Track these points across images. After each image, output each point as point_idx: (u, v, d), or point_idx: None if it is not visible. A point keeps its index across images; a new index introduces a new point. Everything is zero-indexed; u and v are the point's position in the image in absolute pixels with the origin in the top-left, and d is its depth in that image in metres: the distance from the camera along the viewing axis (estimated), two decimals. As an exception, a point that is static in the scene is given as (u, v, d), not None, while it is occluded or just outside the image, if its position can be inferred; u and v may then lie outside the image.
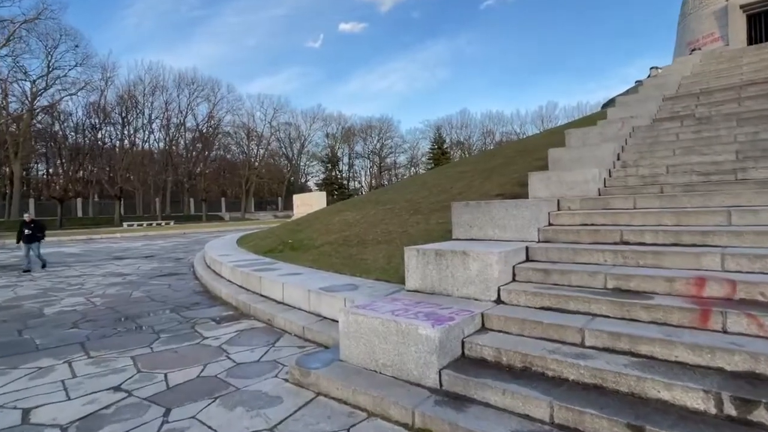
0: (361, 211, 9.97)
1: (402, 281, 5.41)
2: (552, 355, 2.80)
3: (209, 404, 3.39)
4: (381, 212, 9.13)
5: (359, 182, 75.67)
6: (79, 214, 40.74)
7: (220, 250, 10.21)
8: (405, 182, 14.80)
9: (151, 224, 36.64)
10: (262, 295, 6.47)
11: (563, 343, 2.96)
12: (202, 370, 4.03)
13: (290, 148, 66.64)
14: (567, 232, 4.21)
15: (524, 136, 54.08)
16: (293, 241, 9.17)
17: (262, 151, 60.87)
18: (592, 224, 4.32)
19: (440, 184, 10.57)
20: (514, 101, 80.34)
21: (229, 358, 4.37)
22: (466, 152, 62.21)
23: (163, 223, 37.80)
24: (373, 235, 7.83)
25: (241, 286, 7.16)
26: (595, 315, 3.15)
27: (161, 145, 46.77)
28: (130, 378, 3.89)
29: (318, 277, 6.18)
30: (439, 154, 57.72)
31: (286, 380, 3.71)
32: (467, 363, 3.05)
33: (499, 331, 3.32)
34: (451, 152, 61.85)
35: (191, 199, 51.40)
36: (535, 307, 3.43)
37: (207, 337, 5.08)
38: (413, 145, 74.41)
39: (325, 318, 5.10)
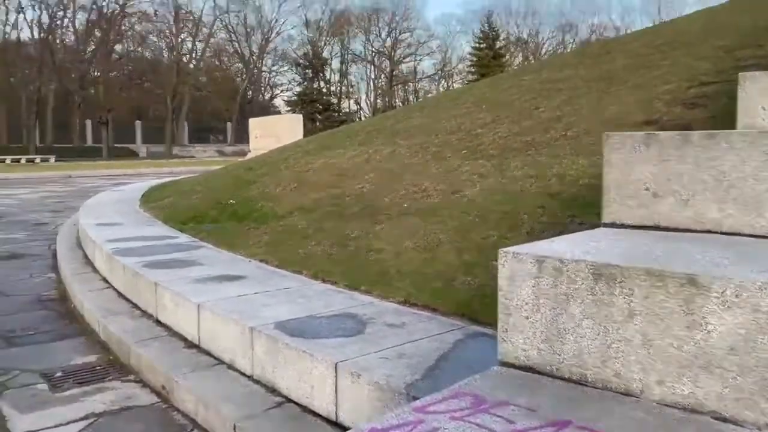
0: (365, 149, 9.59)
1: (465, 310, 3.98)
2: None
3: None
4: (404, 151, 8.60)
5: (357, 101, 74.53)
6: None
7: (105, 214, 9.76)
8: (440, 100, 14.47)
9: (18, 161, 35.12)
10: (159, 322, 4.93)
11: None
12: None
13: (246, 42, 64.92)
14: None
15: (628, 32, 51.15)
16: (239, 201, 8.76)
17: (200, 46, 59.03)
18: None
19: (510, 102, 9.72)
20: (612, -25, 77.54)
21: None
22: (532, 56, 59.44)
23: (37, 160, 36.29)
24: (393, 198, 6.81)
25: (122, 296, 5.71)
26: None
27: (36, 33, 44.69)
28: None
29: (277, 288, 4.67)
30: (489, 58, 54.89)
31: None
32: None
33: None
34: (509, 56, 59.08)
35: (87, 123, 49.96)
36: None
37: (13, 436, 3.53)
38: (446, 42, 72.94)
39: (288, 401, 3.46)
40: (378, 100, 71.62)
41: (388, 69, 69.56)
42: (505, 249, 2.71)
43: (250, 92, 70.50)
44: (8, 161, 35.02)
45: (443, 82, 76.01)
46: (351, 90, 74.60)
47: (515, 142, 7.27)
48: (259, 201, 8.40)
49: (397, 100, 77.28)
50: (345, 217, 6.60)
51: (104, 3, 47.45)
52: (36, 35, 45.96)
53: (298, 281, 5.03)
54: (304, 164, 9.87)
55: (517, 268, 2.61)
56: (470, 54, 61.74)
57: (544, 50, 62.65)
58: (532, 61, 56.82)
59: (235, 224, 7.68)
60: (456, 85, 71.62)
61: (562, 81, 9.93)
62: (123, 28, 50.00)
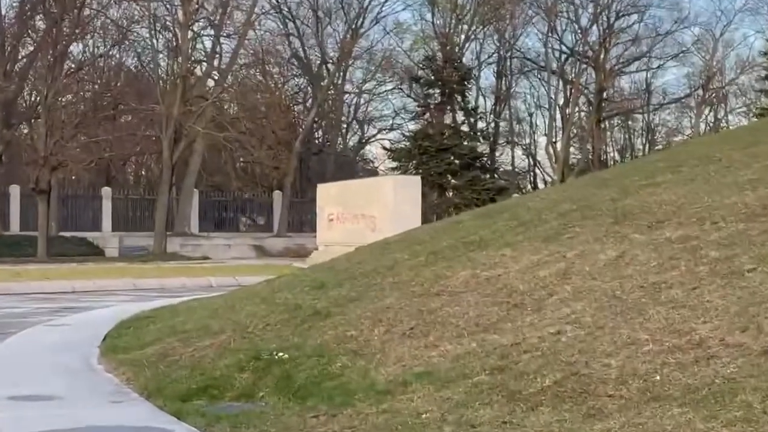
0: (558, 249, 9.94)
1: None
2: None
3: None
4: (644, 255, 8.83)
5: (528, 150, 74.75)
6: None
7: (29, 374, 10.04)
8: (714, 148, 14.60)
9: None
10: None
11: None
12: None
13: (316, 36, 67.18)
14: None
15: None
16: (295, 354, 9.02)
17: (228, 47, 61.48)
18: None
19: None
20: None
21: None
22: None
23: None
24: (624, 359, 6.75)
25: None
26: None
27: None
28: None
29: None
30: None
31: None
32: None
33: None
34: None
35: (12, 191, 52.72)
36: None
37: None
38: (710, 32, 72.68)
39: None
40: (571, 148, 71.70)
41: (592, 87, 69.84)
42: None
43: (320, 133, 72.51)
44: None
45: (708, 110, 75.29)
46: (517, 129, 75.45)
47: None
48: (336, 355, 8.44)
49: (610, 149, 77.09)
50: (520, 398, 6.44)
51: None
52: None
53: None
54: (431, 278, 9.99)
55: None
56: (766, 54, 61.12)
57: None
58: None
59: (288, 405, 7.63)
60: (736, 120, 70.69)
61: None
62: (86, 13, 53.02)
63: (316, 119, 66.98)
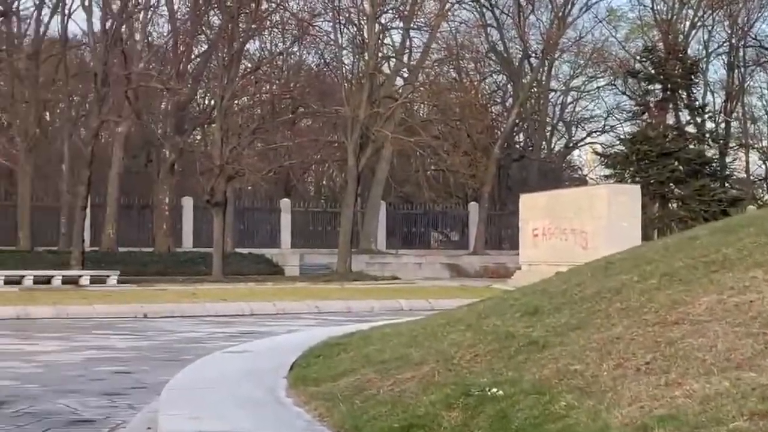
0: None
1: None
2: None
3: None
4: None
5: (764, 151, 72.64)
6: None
7: (212, 406, 10.14)
8: None
9: (47, 280, 38.59)
10: None
11: None
12: None
13: (517, 26, 66.79)
14: None
15: None
16: (510, 389, 8.83)
17: (420, 41, 61.29)
18: None
19: None
20: None
21: None
22: None
23: (84, 279, 39.65)
24: None
25: None
26: None
27: (98, 21, 49.10)
28: None
29: None
30: None
31: None
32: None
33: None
34: None
35: (185, 203, 53.89)
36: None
37: None
38: None
39: None
40: None
41: None
42: None
43: (521, 136, 72.10)
44: (27, 280, 38.42)
45: None
46: (752, 130, 73.27)
47: None
48: (559, 393, 8.21)
49: None
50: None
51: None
52: (97, 25, 49.82)
53: None
54: (666, 304, 9.74)
55: None
56: None
57: None
58: None
59: (507, 451, 7.39)
60: None
61: None
62: (264, 7, 53.35)
63: (517, 121, 66.60)
